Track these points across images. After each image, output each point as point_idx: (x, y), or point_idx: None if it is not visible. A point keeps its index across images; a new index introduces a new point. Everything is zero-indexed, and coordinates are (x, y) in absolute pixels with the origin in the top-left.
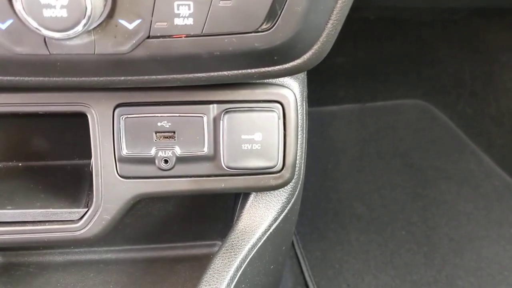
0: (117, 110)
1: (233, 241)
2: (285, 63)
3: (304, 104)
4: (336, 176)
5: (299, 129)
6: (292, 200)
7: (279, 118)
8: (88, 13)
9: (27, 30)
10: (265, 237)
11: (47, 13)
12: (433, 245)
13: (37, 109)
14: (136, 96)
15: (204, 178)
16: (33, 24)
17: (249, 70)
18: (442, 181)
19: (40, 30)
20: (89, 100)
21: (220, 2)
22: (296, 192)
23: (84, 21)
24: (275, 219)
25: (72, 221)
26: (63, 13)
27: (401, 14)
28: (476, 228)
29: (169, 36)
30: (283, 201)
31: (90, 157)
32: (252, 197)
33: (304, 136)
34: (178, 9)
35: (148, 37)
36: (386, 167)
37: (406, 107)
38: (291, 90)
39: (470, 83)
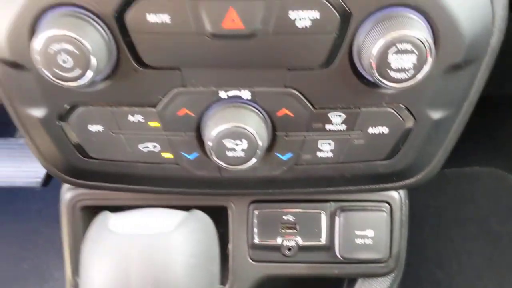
0: (251, 206)
1: None
2: (401, 181)
3: (406, 201)
4: (416, 242)
5: (404, 224)
6: (395, 285)
7: (387, 216)
8: (259, 153)
9: (208, 161)
10: None
11: (229, 153)
12: None
13: (192, 203)
14: (267, 194)
15: (320, 265)
16: (217, 161)
17: (370, 186)
18: None
19: (221, 164)
20: (231, 197)
21: (355, 140)
22: (398, 277)
23: (255, 159)
24: None
25: None
26: (242, 154)
27: None
28: None
29: (312, 164)
30: (388, 286)
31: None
32: (360, 281)
33: (407, 228)
34: (321, 146)
35: (296, 164)
36: (464, 233)
37: (483, 174)
38: (398, 192)
39: None
